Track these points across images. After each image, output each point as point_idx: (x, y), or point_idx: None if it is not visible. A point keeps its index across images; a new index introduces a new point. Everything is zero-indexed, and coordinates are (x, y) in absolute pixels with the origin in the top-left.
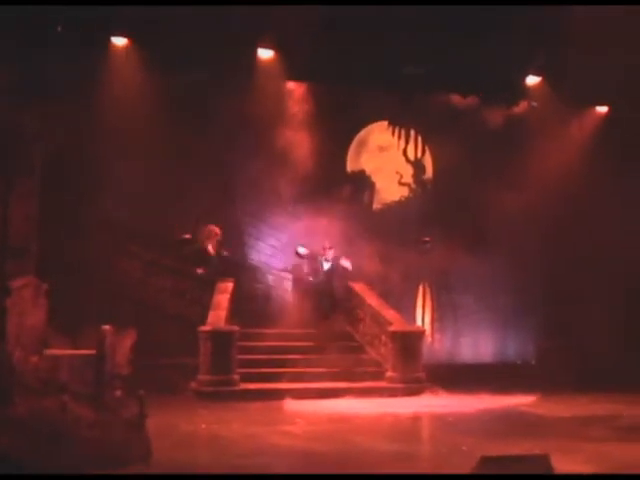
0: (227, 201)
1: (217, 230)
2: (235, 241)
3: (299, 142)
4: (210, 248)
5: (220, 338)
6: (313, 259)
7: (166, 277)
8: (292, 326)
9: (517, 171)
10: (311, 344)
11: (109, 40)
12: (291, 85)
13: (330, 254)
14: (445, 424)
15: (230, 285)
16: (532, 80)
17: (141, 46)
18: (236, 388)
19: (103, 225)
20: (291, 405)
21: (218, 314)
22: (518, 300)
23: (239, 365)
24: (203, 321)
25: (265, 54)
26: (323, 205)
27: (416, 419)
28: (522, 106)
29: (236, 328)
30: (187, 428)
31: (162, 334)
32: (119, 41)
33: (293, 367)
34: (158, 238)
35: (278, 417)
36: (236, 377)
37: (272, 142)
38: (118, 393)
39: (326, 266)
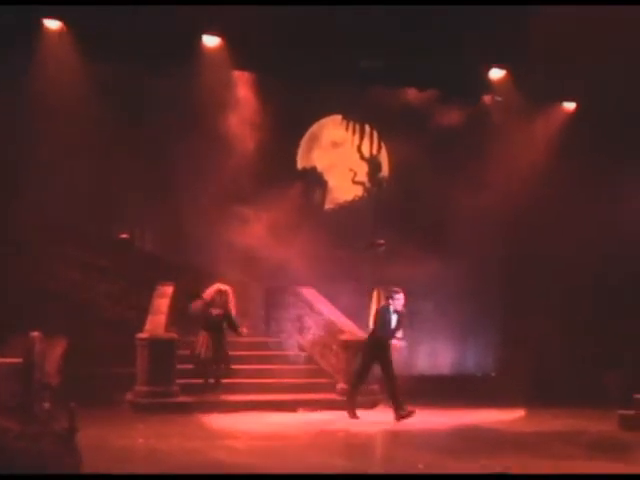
0: (167, 197)
1: (227, 289)
2: (175, 242)
3: (246, 136)
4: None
5: (159, 346)
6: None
7: (101, 280)
8: (239, 334)
9: (479, 169)
10: (258, 353)
11: (42, 23)
12: (238, 75)
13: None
14: (400, 440)
15: (170, 288)
16: (496, 74)
17: (76, 30)
18: (176, 400)
19: (32, 224)
20: (235, 418)
21: (157, 320)
22: (478, 307)
23: (179, 375)
24: (141, 327)
25: (211, 41)
26: (271, 204)
27: (369, 434)
28: (485, 101)
29: (176, 336)
30: (122, 442)
31: (96, 341)
32: (52, 24)
33: (238, 378)
34: (93, 238)
35: (220, 431)
36: (176, 388)
37: (217, 135)
38: (47, 405)
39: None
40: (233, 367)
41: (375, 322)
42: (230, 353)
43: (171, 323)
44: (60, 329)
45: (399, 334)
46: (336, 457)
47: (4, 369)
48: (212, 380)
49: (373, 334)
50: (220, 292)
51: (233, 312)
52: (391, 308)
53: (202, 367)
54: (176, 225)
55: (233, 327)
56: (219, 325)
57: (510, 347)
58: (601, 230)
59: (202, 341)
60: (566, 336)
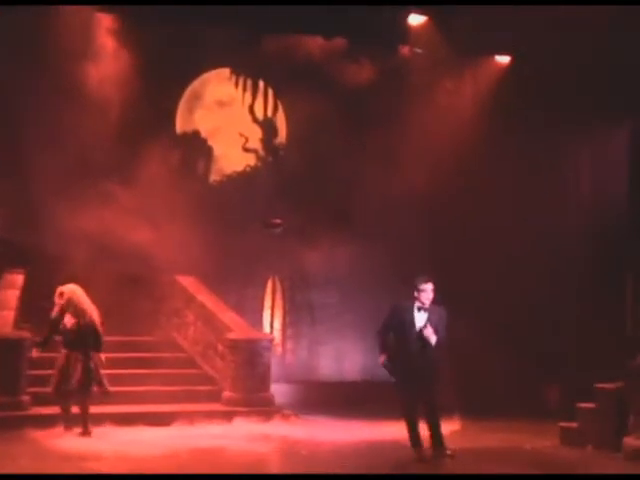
0: (14, 169)
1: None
2: (26, 222)
3: (110, 93)
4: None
5: (5, 348)
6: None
7: None
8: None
9: (395, 135)
10: (127, 355)
11: None
12: (100, 17)
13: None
14: (298, 459)
15: (20, 278)
16: (415, 20)
17: None
18: (26, 413)
19: None
20: (99, 435)
21: (3, 316)
22: (394, 301)
23: (31, 383)
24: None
25: None
26: (143, 176)
27: (261, 453)
28: (402, 53)
29: (27, 334)
30: None
31: None
32: None
33: (100, 386)
34: None
35: (80, 451)
36: (26, 398)
37: (74, 92)
38: None
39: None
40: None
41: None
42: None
43: (22, 320)
44: None
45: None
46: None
47: None
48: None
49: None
50: (61, 295)
51: (96, 320)
52: (416, 305)
53: (58, 397)
54: (26, 202)
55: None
56: (79, 340)
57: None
58: (542, 207)
59: (58, 363)
60: (499, 338)
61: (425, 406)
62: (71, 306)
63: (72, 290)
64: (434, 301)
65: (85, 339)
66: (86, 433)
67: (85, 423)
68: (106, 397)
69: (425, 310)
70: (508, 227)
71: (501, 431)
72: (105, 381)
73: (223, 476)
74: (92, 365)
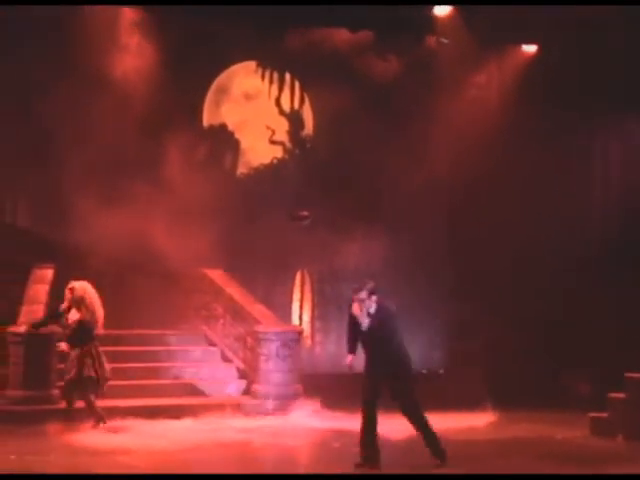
0: (44, 164)
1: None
2: (55, 217)
3: (138, 88)
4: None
5: (36, 342)
6: None
7: None
8: (135, 326)
9: (421, 126)
10: (154, 349)
11: None
12: (126, 11)
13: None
14: (330, 451)
15: (49, 272)
16: (441, 10)
17: None
18: (56, 407)
19: None
20: (127, 428)
21: (33, 310)
22: (422, 292)
23: (61, 377)
24: (13, 320)
25: None
26: (171, 170)
27: (290, 446)
28: (428, 44)
29: (58, 329)
30: None
31: None
32: None
33: (131, 379)
34: None
35: (111, 443)
36: (56, 393)
37: (102, 88)
38: None
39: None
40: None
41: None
42: (121, 348)
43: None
44: None
45: None
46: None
47: None
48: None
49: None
50: (72, 290)
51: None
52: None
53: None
54: (55, 197)
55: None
56: (78, 336)
57: (461, 339)
58: (568, 199)
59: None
60: (525, 327)
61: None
62: (80, 302)
63: (84, 287)
64: (381, 298)
65: (85, 335)
66: (97, 426)
67: (94, 417)
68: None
69: (369, 316)
70: (535, 217)
71: (532, 421)
72: (106, 375)
73: (224, 476)
74: (89, 361)
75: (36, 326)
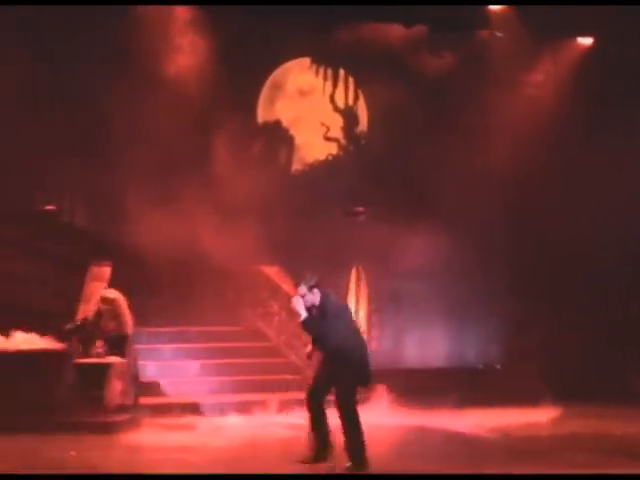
0: (101, 162)
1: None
2: (111, 215)
3: (193, 86)
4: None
5: None
6: None
7: (20, 261)
8: (193, 322)
9: (476, 120)
10: (212, 346)
11: None
12: (181, 10)
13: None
14: (387, 446)
15: (106, 270)
16: (495, 4)
17: None
18: None
19: None
20: (184, 425)
21: (91, 309)
22: (479, 288)
23: None
24: (71, 317)
25: None
26: (225, 166)
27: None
28: (482, 37)
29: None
30: (51, 455)
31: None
32: None
33: (189, 375)
34: (8, 210)
35: (167, 441)
36: None
37: (158, 85)
38: None
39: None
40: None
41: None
42: (179, 345)
43: None
44: None
45: None
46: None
47: None
48: None
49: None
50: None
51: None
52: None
53: None
54: (112, 195)
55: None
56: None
57: (518, 335)
58: (624, 196)
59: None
60: (582, 322)
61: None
62: (111, 313)
63: (117, 298)
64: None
65: (116, 345)
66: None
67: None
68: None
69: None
70: (591, 213)
71: (590, 417)
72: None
73: (227, 476)
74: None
75: (70, 333)
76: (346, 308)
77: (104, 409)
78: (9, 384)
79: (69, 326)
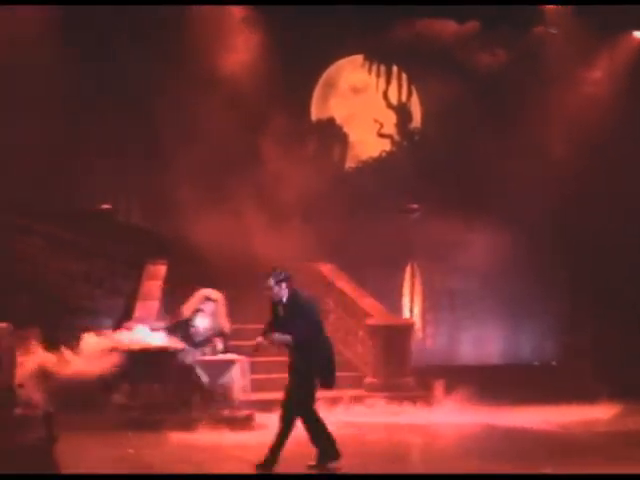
0: (157, 161)
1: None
2: (166, 214)
3: (247, 84)
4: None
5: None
6: None
7: (78, 260)
8: (248, 320)
9: (531, 117)
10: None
11: None
12: (235, 10)
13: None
14: (444, 443)
15: (162, 268)
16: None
17: None
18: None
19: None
20: (240, 423)
21: (148, 306)
22: (536, 285)
23: None
24: (127, 315)
25: None
26: (279, 164)
27: (405, 438)
28: (536, 33)
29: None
30: (108, 453)
31: (74, 333)
32: None
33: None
34: (65, 210)
35: (224, 439)
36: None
37: (212, 84)
38: (18, 411)
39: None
40: None
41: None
42: (233, 344)
43: (165, 310)
44: (30, 319)
45: None
46: (371, 465)
47: None
48: None
49: None
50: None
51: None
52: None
53: None
54: (166, 194)
55: None
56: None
57: (576, 331)
58: None
59: None
60: (635, 321)
61: None
62: (215, 312)
63: (219, 298)
64: (293, 291)
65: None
66: None
67: None
68: None
69: (281, 305)
70: None
71: None
72: None
73: (230, 476)
74: None
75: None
76: (314, 308)
77: (231, 404)
78: (138, 382)
79: (171, 325)
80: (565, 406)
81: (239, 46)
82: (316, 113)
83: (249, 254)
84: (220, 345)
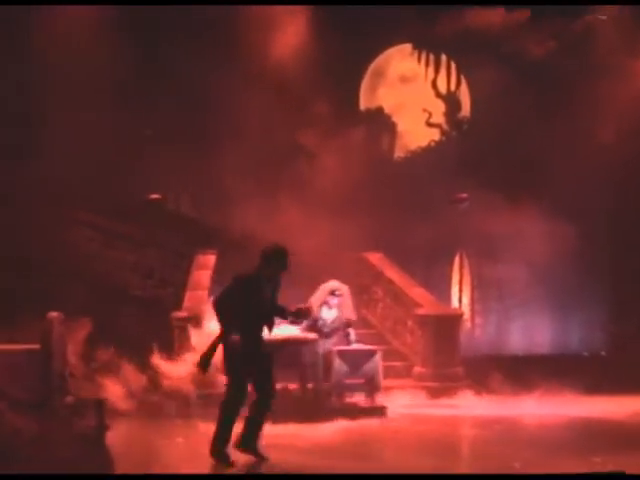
0: (207, 151)
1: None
2: (215, 204)
3: (297, 74)
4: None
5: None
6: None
7: (128, 250)
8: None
9: (581, 105)
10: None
11: None
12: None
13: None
14: (493, 433)
15: (212, 258)
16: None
17: None
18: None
19: (42, 188)
20: None
21: (198, 296)
22: (584, 274)
23: None
24: (178, 305)
25: None
26: (328, 154)
27: (455, 427)
28: (587, 21)
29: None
30: (158, 442)
31: (124, 323)
32: None
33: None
34: (116, 201)
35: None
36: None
37: (262, 75)
38: (69, 399)
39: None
40: None
41: None
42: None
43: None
44: (82, 309)
45: None
46: (417, 455)
47: (18, 357)
48: None
49: None
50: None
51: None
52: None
53: None
54: (216, 185)
55: None
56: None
57: (623, 321)
58: None
59: None
60: None
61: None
62: (338, 305)
63: (344, 291)
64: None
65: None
66: None
67: None
68: None
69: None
70: None
71: None
72: None
73: (233, 476)
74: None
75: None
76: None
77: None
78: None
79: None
80: (619, 397)
81: (288, 38)
82: (365, 103)
83: (298, 243)
84: (353, 335)
